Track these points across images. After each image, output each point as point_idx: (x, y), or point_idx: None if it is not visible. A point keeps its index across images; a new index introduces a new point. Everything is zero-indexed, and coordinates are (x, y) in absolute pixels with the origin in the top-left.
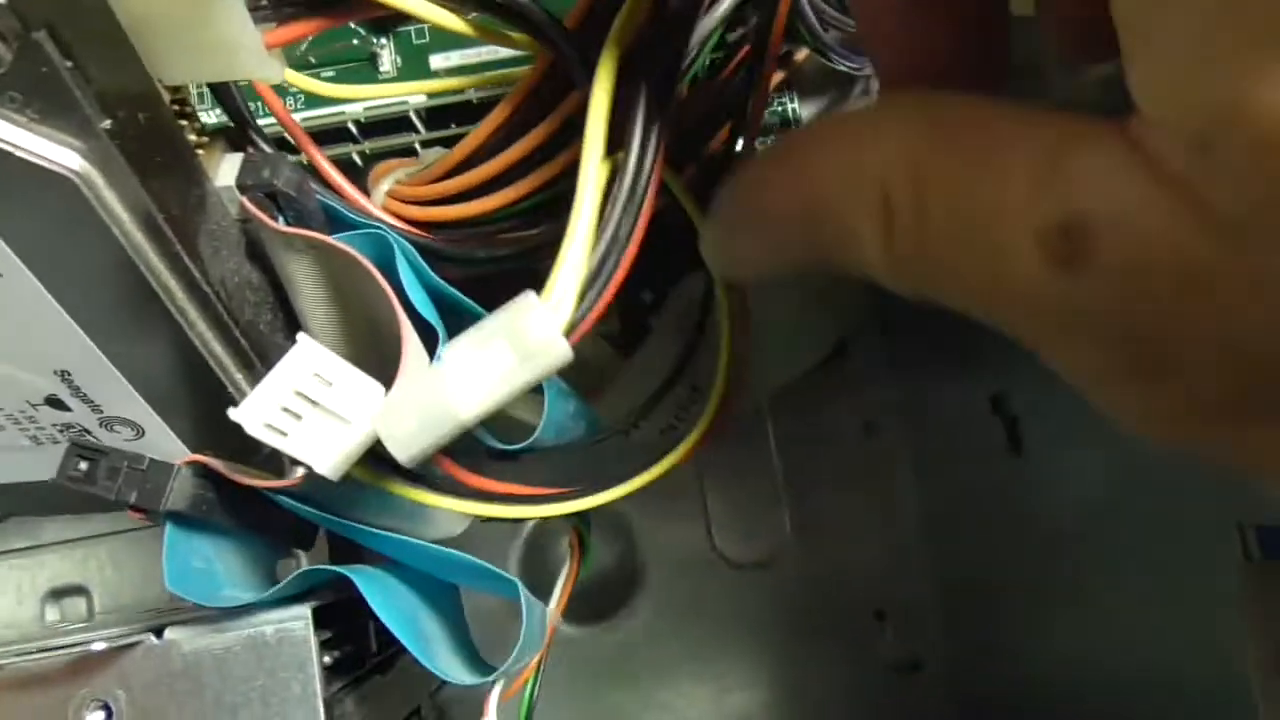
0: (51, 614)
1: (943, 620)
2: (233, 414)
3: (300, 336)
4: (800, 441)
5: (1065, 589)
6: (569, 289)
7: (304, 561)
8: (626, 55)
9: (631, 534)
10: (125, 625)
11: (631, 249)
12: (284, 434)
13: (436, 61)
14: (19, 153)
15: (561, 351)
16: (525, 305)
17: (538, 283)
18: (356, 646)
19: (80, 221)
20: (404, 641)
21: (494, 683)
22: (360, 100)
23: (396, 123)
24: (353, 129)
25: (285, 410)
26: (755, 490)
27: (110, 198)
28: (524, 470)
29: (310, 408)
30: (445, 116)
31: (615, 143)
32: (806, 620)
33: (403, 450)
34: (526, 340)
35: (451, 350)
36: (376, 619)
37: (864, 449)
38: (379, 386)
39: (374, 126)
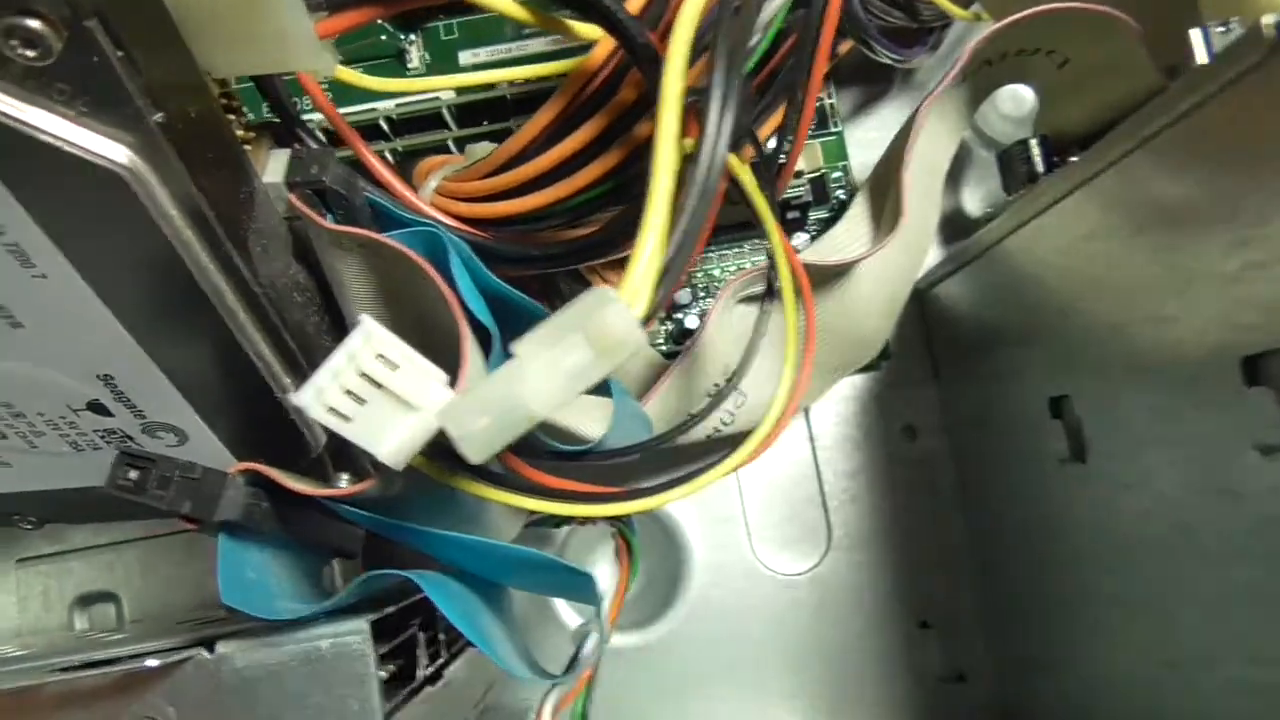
0: (80, 621)
1: (989, 631)
2: (293, 398)
3: (363, 317)
4: (841, 447)
5: (1124, 601)
6: (646, 281)
7: (336, 572)
8: (696, 41)
9: (670, 541)
10: (163, 636)
11: (704, 237)
12: (347, 419)
13: (465, 58)
14: (67, 148)
15: (638, 342)
16: (603, 298)
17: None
18: (406, 661)
19: (128, 219)
20: (473, 639)
21: (549, 692)
22: (398, 95)
23: (429, 119)
24: (384, 126)
25: (349, 394)
26: (795, 497)
27: (160, 194)
28: (579, 473)
29: (375, 391)
30: (477, 113)
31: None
32: (849, 630)
33: (474, 450)
34: (605, 334)
35: (523, 345)
36: (424, 630)
37: (906, 454)
38: (442, 374)
39: (406, 124)
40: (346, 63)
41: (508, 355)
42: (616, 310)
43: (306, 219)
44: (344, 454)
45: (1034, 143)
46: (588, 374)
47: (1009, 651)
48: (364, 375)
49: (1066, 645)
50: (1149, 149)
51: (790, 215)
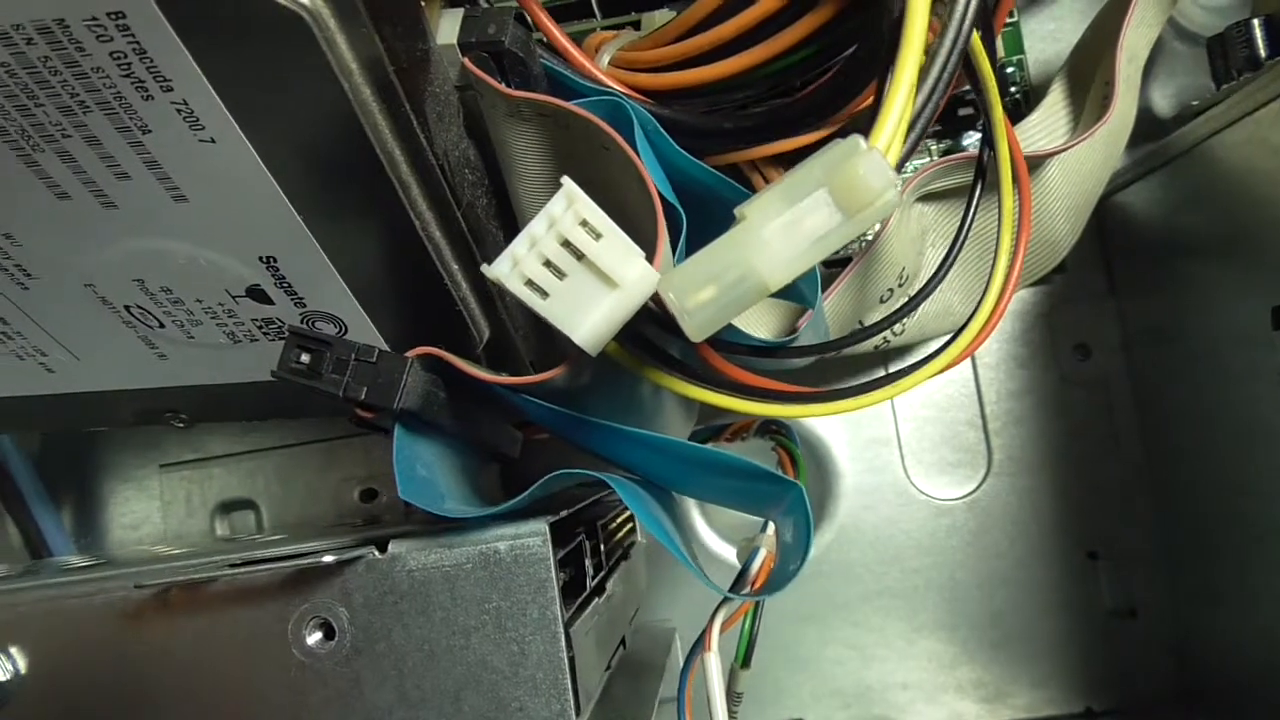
0: (221, 527)
1: (1165, 563)
2: (488, 269)
3: (565, 180)
4: (1004, 366)
5: None
6: (898, 130)
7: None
8: None
9: (819, 464)
10: (313, 541)
11: (949, 92)
12: (545, 294)
13: None
14: None
15: (891, 201)
16: (852, 148)
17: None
18: (575, 571)
19: (306, 72)
20: (664, 541)
21: (718, 607)
22: None
23: (575, 8)
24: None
25: (549, 265)
26: (954, 418)
27: (340, 42)
28: (766, 373)
29: (575, 264)
30: (625, 1)
31: None
32: (1010, 560)
33: (696, 325)
34: (856, 189)
35: (754, 206)
36: (591, 539)
37: (1078, 374)
38: (640, 250)
39: (553, 13)
40: None
41: (697, 243)
42: (870, 160)
43: (482, 85)
44: (503, 353)
45: (1256, 23)
46: (832, 237)
47: (1187, 585)
48: (565, 244)
49: (1258, 576)
50: None
51: (962, 112)
